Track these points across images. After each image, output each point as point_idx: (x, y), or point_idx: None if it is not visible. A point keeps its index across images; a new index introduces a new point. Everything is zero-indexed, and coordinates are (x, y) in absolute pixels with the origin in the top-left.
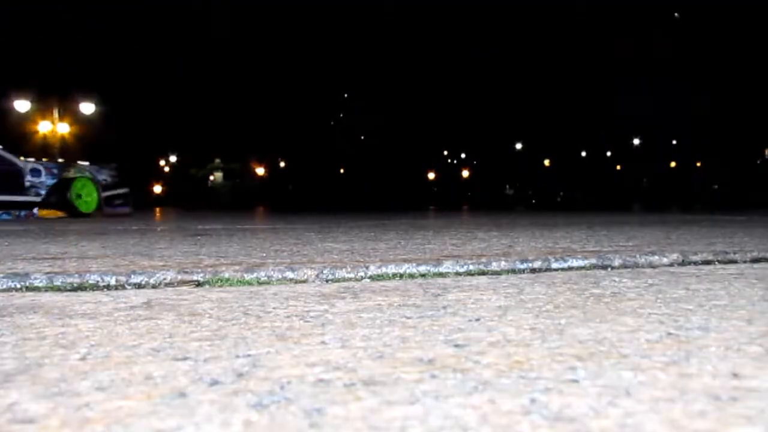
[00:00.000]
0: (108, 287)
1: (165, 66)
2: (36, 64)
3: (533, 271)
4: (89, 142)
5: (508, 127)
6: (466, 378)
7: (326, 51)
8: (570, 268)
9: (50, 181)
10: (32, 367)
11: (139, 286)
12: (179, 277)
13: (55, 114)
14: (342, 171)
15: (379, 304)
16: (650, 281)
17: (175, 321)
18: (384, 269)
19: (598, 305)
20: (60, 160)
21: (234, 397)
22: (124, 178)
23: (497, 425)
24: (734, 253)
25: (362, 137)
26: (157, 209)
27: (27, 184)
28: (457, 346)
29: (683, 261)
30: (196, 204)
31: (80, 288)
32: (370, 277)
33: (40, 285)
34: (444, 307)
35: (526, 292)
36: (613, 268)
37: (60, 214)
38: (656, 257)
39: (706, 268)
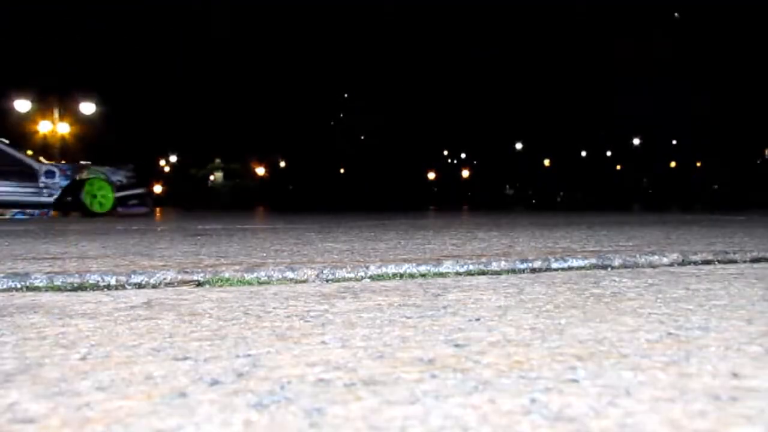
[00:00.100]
0: (108, 287)
1: (165, 66)
2: (36, 64)
3: (533, 271)
4: (89, 142)
5: (508, 127)
6: (467, 378)
7: (326, 51)
8: (570, 268)
9: (64, 182)
10: (32, 366)
11: (139, 286)
12: (179, 277)
13: (56, 114)
14: (342, 171)
15: (379, 304)
16: (650, 281)
17: (175, 321)
18: (384, 269)
19: (598, 305)
20: (80, 162)
21: (234, 396)
22: (141, 178)
23: (497, 425)
24: (734, 253)
25: (362, 137)
26: (157, 209)
27: (41, 185)
28: (457, 345)
29: (683, 261)
30: (196, 204)
31: (80, 288)
32: (370, 277)
33: (41, 285)
34: (444, 307)
35: (526, 292)
36: (613, 268)
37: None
38: (656, 257)
39: (706, 268)
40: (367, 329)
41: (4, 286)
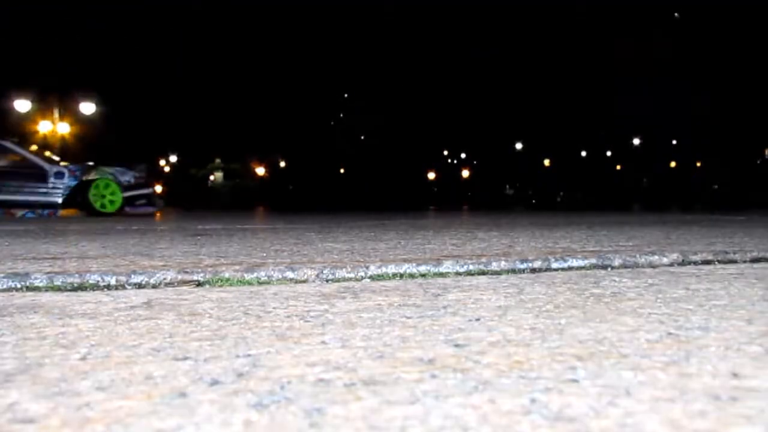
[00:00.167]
0: (108, 287)
1: (165, 66)
2: (36, 64)
3: (533, 270)
4: (89, 142)
5: (508, 127)
6: (467, 378)
7: (326, 51)
8: (570, 268)
9: (72, 183)
10: (32, 366)
11: (139, 286)
12: (179, 277)
13: (56, 114)
14: (342, 171)
15: (379, 304)
16: (650, 281)
17: (175, 321)
18: (384, 269)
19: (598, 305)
20: (89, 163)
21: (234, 396)
22: (150, 179)
23: (497, 425)
24: (734, 253)
25: (362, 137)
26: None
27: (50, 185)
28: (457, 345)
29: (683, 261)
30: (196, 204)
31: (80, 288)
32: (370, 277)
33: (41, 285)
34: (444, 307)
35: (526, 292)
36: (613, 268)
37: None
38: (656, 257)
39: (706, 268)
40: (367, 329)
41: (4, 286)
